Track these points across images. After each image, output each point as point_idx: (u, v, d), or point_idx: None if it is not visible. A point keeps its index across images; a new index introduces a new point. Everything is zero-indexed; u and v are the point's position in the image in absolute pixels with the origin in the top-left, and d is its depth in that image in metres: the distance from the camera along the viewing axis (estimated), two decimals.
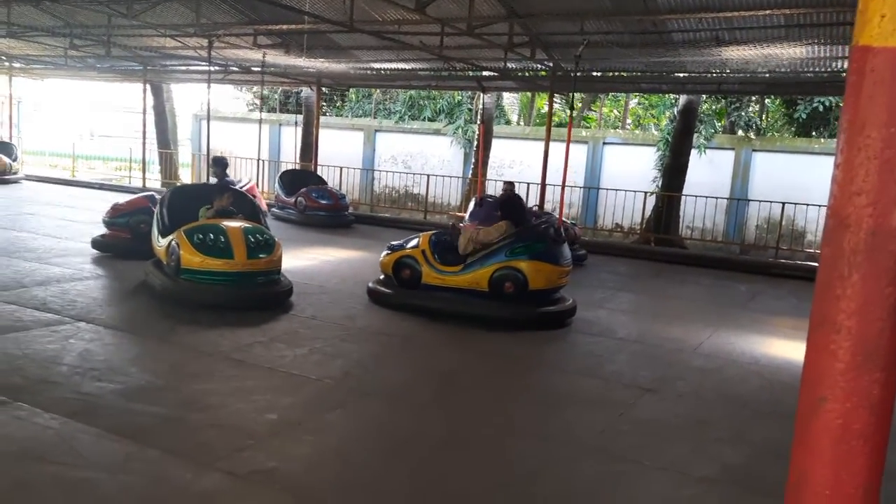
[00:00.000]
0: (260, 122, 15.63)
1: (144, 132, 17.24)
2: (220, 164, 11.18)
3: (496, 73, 12.60)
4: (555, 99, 13.58)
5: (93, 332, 5.23)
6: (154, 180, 19.55)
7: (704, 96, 15.64)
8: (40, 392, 3.97)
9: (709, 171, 15.78)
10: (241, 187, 10.15)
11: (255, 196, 9.66)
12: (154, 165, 20.80)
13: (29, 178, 18.19)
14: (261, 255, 6.49)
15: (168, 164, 20.12)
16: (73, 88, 29.38)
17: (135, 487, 3.00)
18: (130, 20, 10.73)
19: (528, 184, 14.73)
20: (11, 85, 19.72)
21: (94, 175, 21.79)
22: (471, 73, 13.67)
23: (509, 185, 11.05)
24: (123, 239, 8.43)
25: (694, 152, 14.73)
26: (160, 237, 6.99)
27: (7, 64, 17.66)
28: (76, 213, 12.40)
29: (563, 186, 12.29)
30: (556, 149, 15.53)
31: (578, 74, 12.93)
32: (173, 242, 6.49)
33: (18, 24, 12.33)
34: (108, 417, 3.69)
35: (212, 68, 12.50)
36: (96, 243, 8.54)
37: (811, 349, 0.69)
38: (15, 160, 17.56)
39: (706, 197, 13.87)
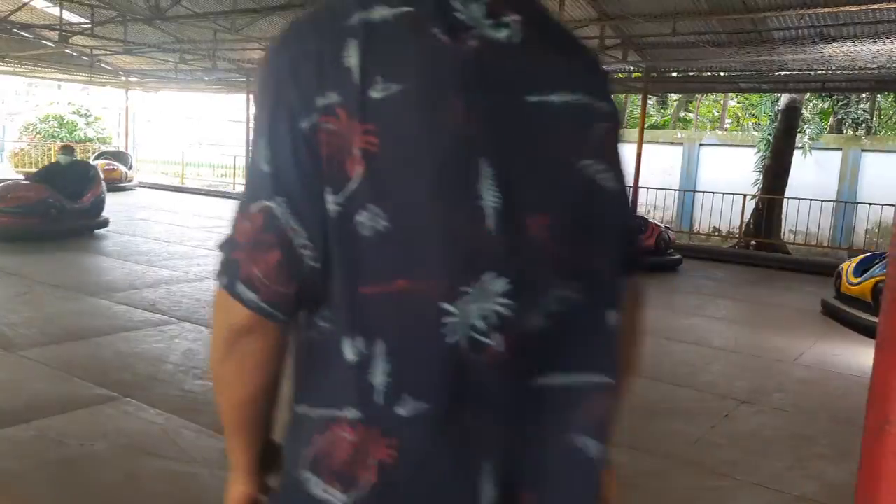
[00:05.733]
0: None
1: (248, 140, 17.99)
2: (67, 152, 11.06)
3: None
4: (647, 100, 13.30)
5: (196, 332, 5.52)
6: None
7: (808, 94, 14.93)
8: (148, 389, 4.23)
9: (814, 172, 15.05)
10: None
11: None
12: None
13: (143, 185, 19.34)
14: None
15: None
16: (182, 100, 31.02)
17: None
18: (234, 34, 11.27)
19: None
20: (128, 98, 21.03)
21: (201, 182, 22.92)
22: None
23: None
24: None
25: (797, 153, 14.08)
26: None
27: (124, 78, 18.86)
28: (184, 218, 13.10)
29: (636, 187, 12.06)
30: (651, 151, 15.22)
31: (673, 75, 12.64)
32: None
33: (133, 41, 13.16)
34: (208, 414, 3.89)
35: None
36: None
37: (877, 369, 0.67)
38: (130, 168, 18.73)
39: (810, 200, 13.21)
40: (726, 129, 22.52)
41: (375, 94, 0.77)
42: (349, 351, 0.81)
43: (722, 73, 12.21)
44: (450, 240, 0.79)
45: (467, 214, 0.79)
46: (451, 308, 0.79)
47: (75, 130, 22.61)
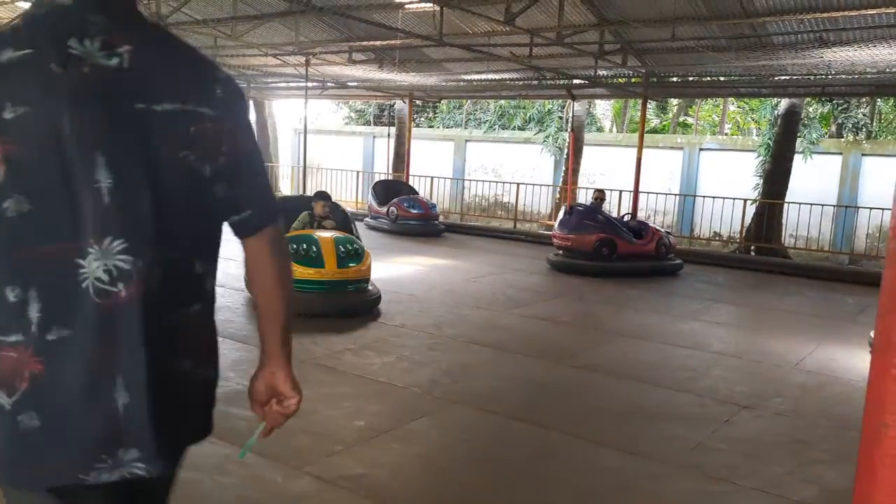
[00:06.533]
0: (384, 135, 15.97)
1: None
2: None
3: (586, 81, 12.48)
4: (647, 105, 13.32)
5: None
6: None
7: (808, 99, 14.94)
8: None
9: (814, 177, 15.04)
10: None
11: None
12: None
13: None
14: (350, 265, 6.67)
15: (269, 177, 20.98)
16: None
17: (230, 488, 3.15)
18: (234, 41, 11.28)
19: (620, 191, 14.47)
20: None
21: None
22: (561, 82, 13.60)
23: (600, 194, 10.91)
24: None
25: (798, 158, 14.08)
26: None
27: None
28: None
29: (636, 191, 12.08)
30: (651, 156, 15.20)
31: (673, 79, 12.65)
32: None
33: None
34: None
35: (309, 84, 12.94)
36: None
37: (874, 374, 0.67)
38: None
39: (811, 204, 13.21)
40: (726, 134, 22.53)
41: (7, 115, 1.12)
42: (10, 295, 1.17)
43: (721, 78, 12.21)
44: (78, 214, 1.15)
45: (90, 194, 1.15)
46: (82, 262, 1.16)
47: None
